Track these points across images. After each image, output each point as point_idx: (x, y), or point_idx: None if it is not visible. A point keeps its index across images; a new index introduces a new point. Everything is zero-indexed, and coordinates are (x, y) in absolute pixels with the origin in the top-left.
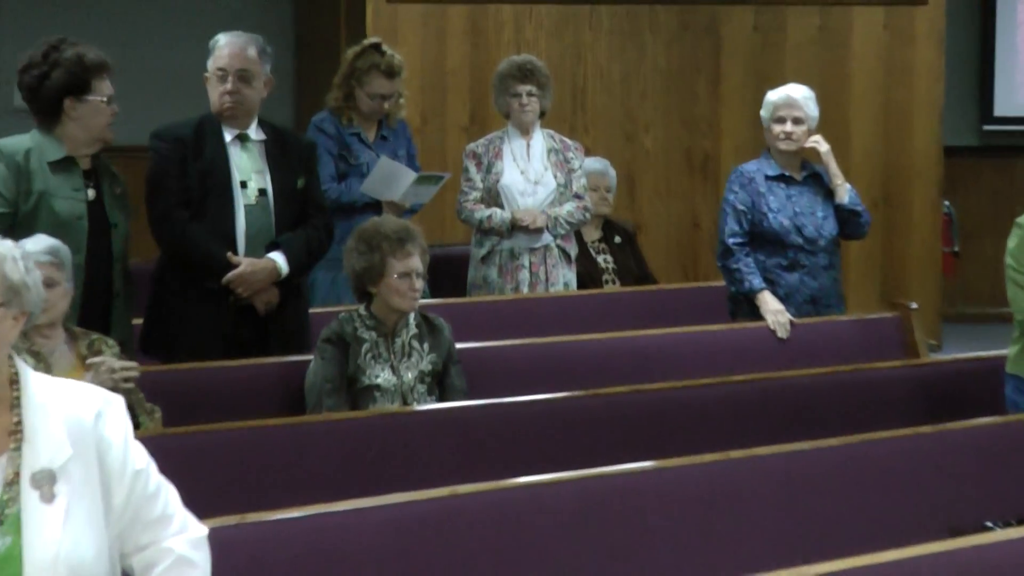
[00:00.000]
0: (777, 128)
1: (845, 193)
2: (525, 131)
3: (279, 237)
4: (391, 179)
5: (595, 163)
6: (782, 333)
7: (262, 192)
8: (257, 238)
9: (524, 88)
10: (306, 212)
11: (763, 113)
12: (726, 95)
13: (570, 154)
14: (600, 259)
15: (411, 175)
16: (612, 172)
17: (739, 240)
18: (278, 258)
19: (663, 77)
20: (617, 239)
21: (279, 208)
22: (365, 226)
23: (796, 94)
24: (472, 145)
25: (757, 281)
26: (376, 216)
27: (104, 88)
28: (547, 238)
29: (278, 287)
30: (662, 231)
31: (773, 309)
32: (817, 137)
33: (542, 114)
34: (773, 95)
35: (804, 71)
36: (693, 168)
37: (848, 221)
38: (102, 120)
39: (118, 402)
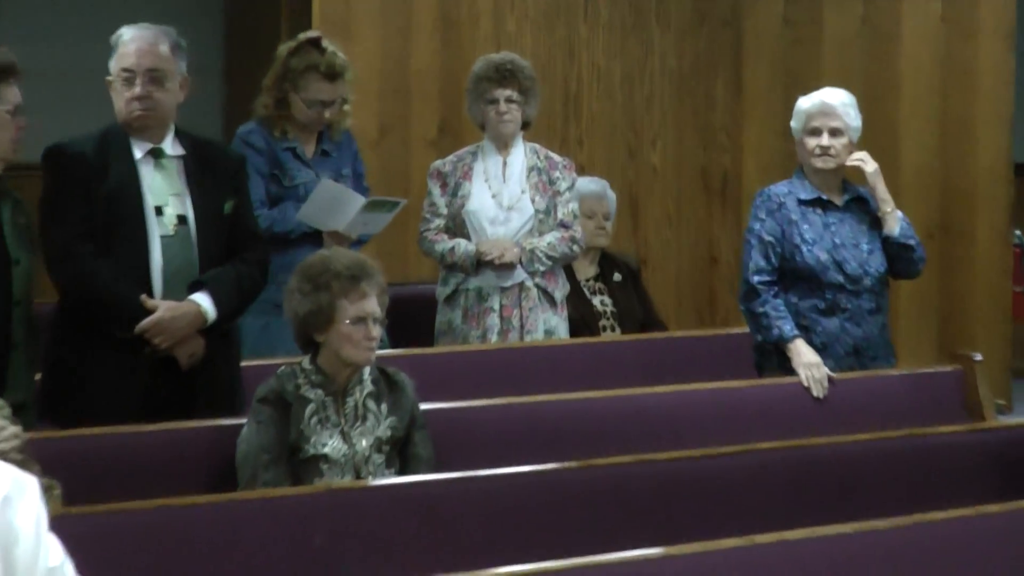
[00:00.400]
0: (811, 142)
1: (896, 223)
2: (503, 145)
3: (204, 275)
4: (334, 205)
5: (590, 184)
6: (818, 391)
7: (181, 219)
8: (177, 276)
9: (502, 93)
10: (236, 243)
11: (794, 124)
12: (750, 101)
13: (556, 173)
14: (596, 301)
15: (358, 200)
16: (611, 195)
17: (766, 278)
18: (203, 300)
19: (673, 79)
20: (617, 276)
21: (203, 239)
22: (311, 261)
23: (834, 100)
24: (437, 163)
25: (788, 327)
26: (316, 249)
27: (10, 96)
28: (521, 275)
29: (204, 336)
30: (672, 266)
31: (808, 362)
32: (861, 154)
33: (525, 125)
34: (805, 102)
35: (844, 72)
36: (710, 190)
37: (899, 257)
38: (5, 135)
39: (31, 485)
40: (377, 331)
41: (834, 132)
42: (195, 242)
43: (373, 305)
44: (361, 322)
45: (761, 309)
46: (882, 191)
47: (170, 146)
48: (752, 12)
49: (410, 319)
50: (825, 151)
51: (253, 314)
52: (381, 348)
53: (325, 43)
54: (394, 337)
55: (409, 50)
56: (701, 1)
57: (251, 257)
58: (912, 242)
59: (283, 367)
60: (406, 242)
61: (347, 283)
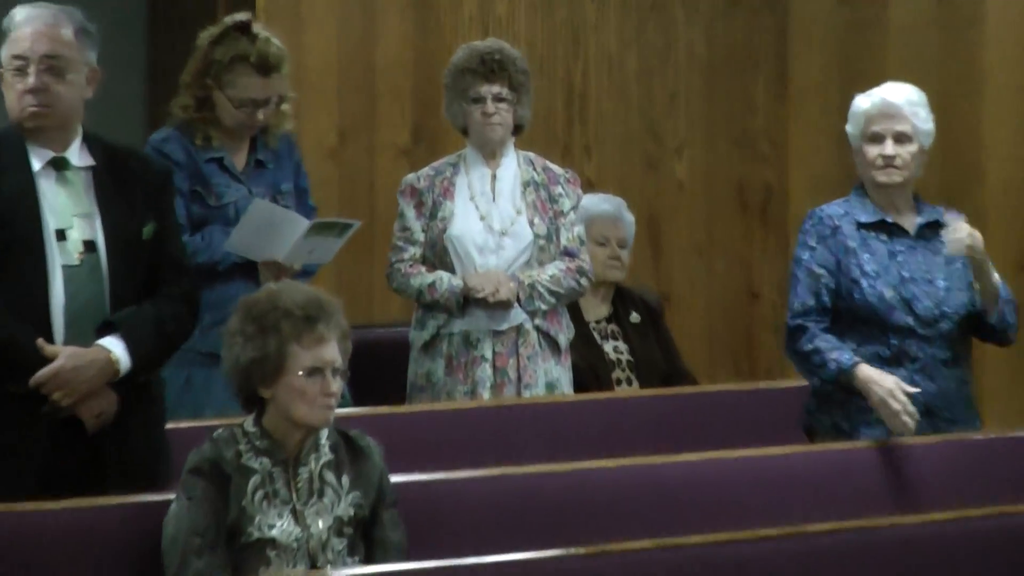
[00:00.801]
0: (872, 151)
1: (995, 311)
2: (491, 154)
3: (116, 314)
4: (270, 228)
5: (602, 203)
6: (904, 425)
7: (89, 246)
8: (82, 315)
9: (490, 89)
10: (158, 275)
11: (850, 128)
12: (797, 100)
13: (559, 189)
14: (608, 347)
15: (300, 223)
16: (628, 217)
17: (815, 319)
18: (114, 346)
19: (703, 73)
20: (634, 317)
21: (116, 269)
22: (256, 298)
23: (898, 98)
24: (410, 178)
25: (846, 356)
26: (249, 283)
27: None
28: (518, 316)
29: (116, 390)
30: (702, 305)
31: (886, 387)
32: (959, 223)
33: (517, 129)
34: (864, 101)
35: (914, 65)
36: (748, 210)
37: (992, 331)
38: None
39: None
40: (337, 385)
41: (900, 138)
42: (106, 273)
43: (332, 352)
44: (317, 373)
45: (810, 346)
46: (988, 275)
47: (76, 155)
48: None
49: (377, 370)
50: (889, 162)
51: (171, 365)
52: (341, 406)
53: (256, 28)
54: (358, 392)
55: (374, 37)
56: None
57: (176, 292)
58: (1010, 322)
59: (220, 430)
60: (372, 276)
61: (300, 325)
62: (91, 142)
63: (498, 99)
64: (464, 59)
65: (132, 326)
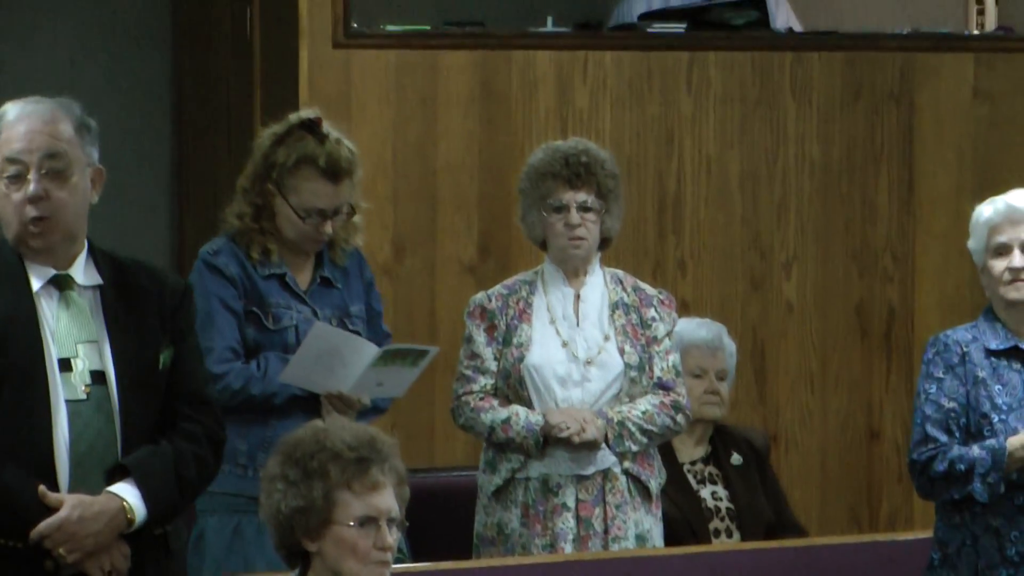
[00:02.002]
0: (999, 265)
1: None
2: (573, 272)
3: (129, 456)
4: (334, 356)
5: (699, 329)
6: None
7: (97, 377)
8: (90, 457)
9: (574, 197)
10: (176, 410)
11: (972, 243)
12: (927, 208)
13: (652, 312)
14: (706, 493)
15: (369, 350)
16: (729, 345)
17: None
18: (127, 493)
19: (817, 176)
20: (736, 459)
21: (128, 403)
22: (300, 436)
23: None
24: (480, 297)
25: (984, 444)
26: (312, 419)
27: None
28: (606, 459)
29: (130, 543)
30: (815, 445)
31: None
32: None
33: (604, 242)
34: (986, 209)
35: None
36: (869, 335)
37: None
38: None
39: None
40: (393, 537)
41: None
42: (116, 409)
43: (388, 500)
44: (371, 524)
45: (942, 467)
46: None
47: (81, 272)
48: (929, 80)
49: (439, 521)
50: (1018, 275)
51: (221, 511)
52: (398, 561)
53: (327, 127)
54: (416, 546)
55: (435, 136)
56: (857, 66)
57: (197, 431)
58: None
59: None
60: (432, 412)
61: (351, 468)
62: (97, 256)
63: (584, 208)
64: (545, 161)
65: (147, 470)
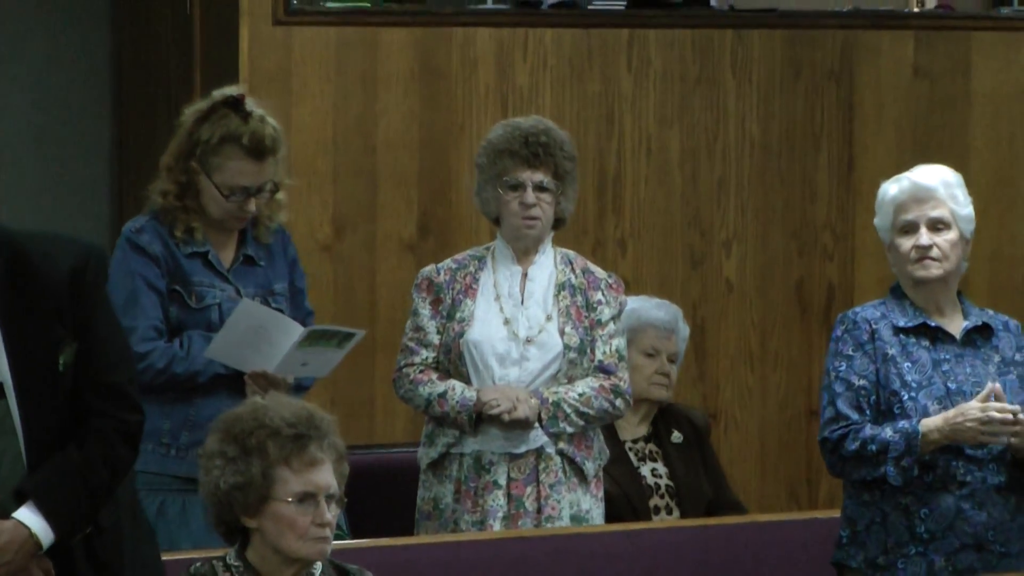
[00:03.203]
0: (905, 243)
1: None
2: (525, 251)
3: (28, 479)
4: (260, 335)
5: (656, 309)
6: (1001, 426)
7: None
8: None
9: (532, 177)
10: (84, 406)
11: (878, 221)
12: (867, 187)
13: (598, 295)
14: (646, 470)
15: (294, 329)
16: (684, 330)
17: (857, 426)
18: (29, 519)
19: (757, 155)
20: (676, 436)
21: (30, 415)
22: (239, 414)
23: (930, 180)
24: (428, 270)
25: (897, 426)
26: (235, 399)
27: None
28: (538, 438)
29: (54, 553)
30: (754, 423)
31: (971, 414)
32: (1001, 405)
33: (557, 223)
34: (891, 187)
35: (1002, 144)
36: (809, 313)
37: None
38: None
39: None
40: (332, 513)
41: (936, 225)
42: (18, 423)
43: (326, 476)
44: (309, 500)
45: (857, 442)
46: None
47: None
48: (869, 58)
49: (379, 496)
50: (925, 253)
51: (143, 491)
52: (338, 537)
53: (250, 104)
54: (356, 522)
55: (375, 113)
56: (797, 44)
57: (108, 426)
58: None
59: (198, 563)
60: (372, 388)
61: (289, 445)
62: None
63: (540, 188)
64: (504, 138)
65: (49, 491)
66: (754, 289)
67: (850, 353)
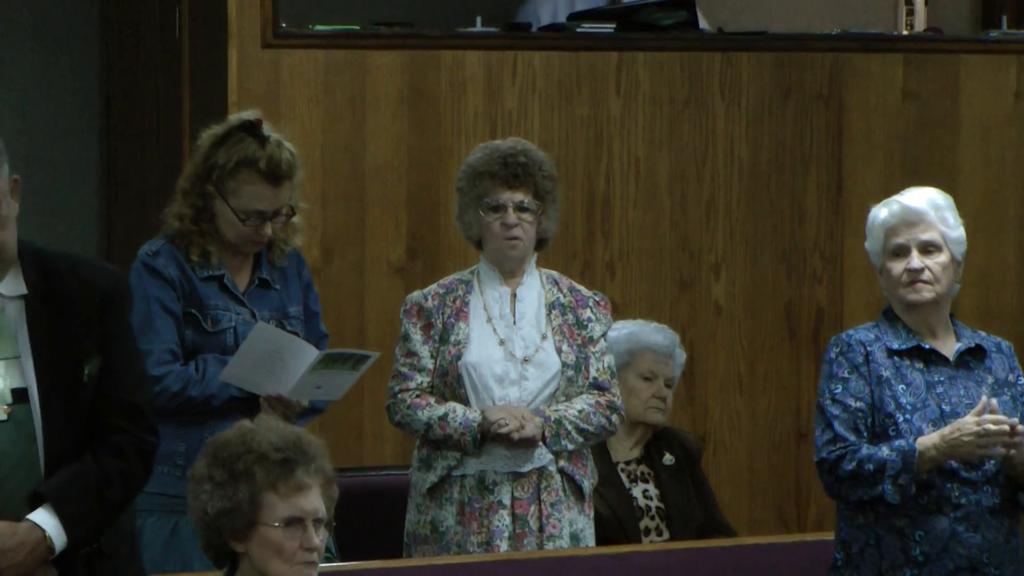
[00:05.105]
0: (896, 267)
1: None
2: (510, 273)
3: (47, 482)
4: (274, 358)
5: (655, 333)
6: (995, 439)
7: (19, 395)
8: (10, 481)
9: (511, 197)
10: (102, 421)
11: (868, 245)
12: (856, 210)
13: (587, 313)
14: (637, 491)
15: (309, 352)
16: (680, 355)
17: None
18: (46, 522)
19: (745, 177)
20: (668, 458)
21: (52, 423)
22: (226, 438)
23: (920, 203)
24: (416, 296)
25: (894, 445)
26: (245, 420)
27: None
28: (543, 457)
29: (57, 566)
30: (743, 447)
31: (967, 429)
32: (999, 417)
33: (540, 243)
34: (882, 210)
35: (992, 167)
36: (798, 337)
37: None
38: None
39: None
40: (320, 538)
41: (927, 248)
42: (39, 429)
43: (314, 500)
44: (296, 525)
45: (854, 462)
46: None
47: (8, 283)
48: (858, 81)
49: (367, 519)
50: (916, 276)
51: (158, 513)
52: (326, 560)
53: (266, 129)
54: (344, 544)
55: (363, 136)
56: (786, 66)
57: (125, 443)
58: None
59: None
60: (361, 412)
61: (276, 470)
62: (26, 261)
63: (521, 209)
64: (483, 160)
65: (66, 496)
66: (743, 312)
67: (845, 375)
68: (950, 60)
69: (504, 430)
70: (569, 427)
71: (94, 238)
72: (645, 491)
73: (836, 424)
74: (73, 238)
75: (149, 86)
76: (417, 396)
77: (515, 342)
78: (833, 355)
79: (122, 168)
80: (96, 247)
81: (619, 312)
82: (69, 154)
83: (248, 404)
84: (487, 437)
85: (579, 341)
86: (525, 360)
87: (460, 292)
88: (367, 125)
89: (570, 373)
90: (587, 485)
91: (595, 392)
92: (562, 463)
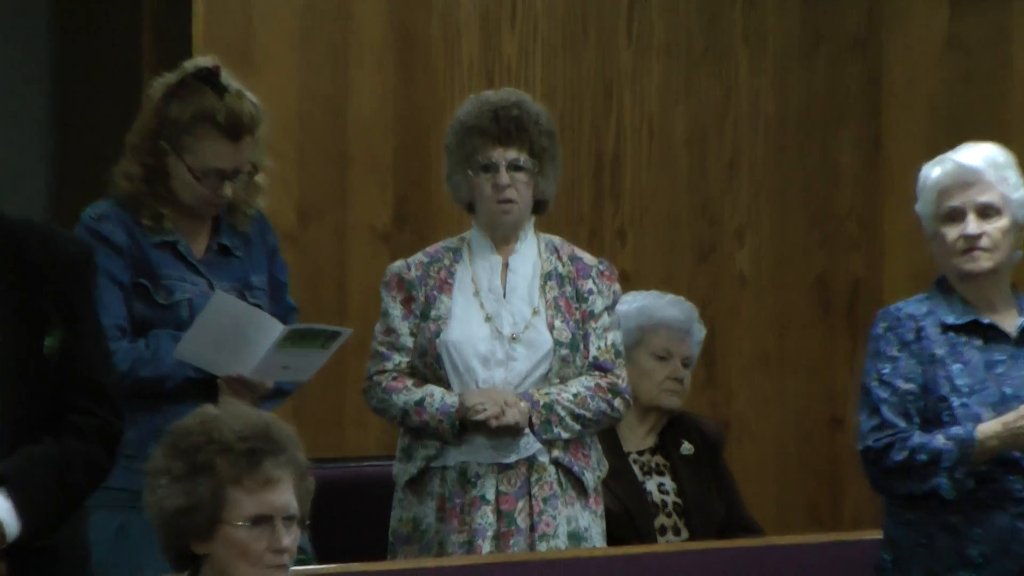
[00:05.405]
0: (951, 232)
1: None
2: (503, 239)
3: (3, 463)
4: (235, 334)
5: (670, 307)
6: None
7: None
8: None
9: (504, 155)
10: (65, 401)
11: (920, 207)
12: (896, 169)
13: (589, 284)
14: (652, 485)
15: (274, 328)
16: (699, 331)
17: (904, 435)
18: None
19: (772, 134)
20: (686, 448)
21: (8, 399)
22: (186, 426)
23: (977, 161)
24: (397, 266)
25: (950, 432)
26: (206, 405)
27: None
28: (530, 446)
29: (11, 556)
30: (770, 434)
31: (1013, 419)
32: None
33: (539, 206)
34: (935, 169)
35: None
36: (831, 311)
37: None
38: None
39: None
40: (291, 537)
41: (985, 212)
42: None
43: (284, 496)
44: (264, 523)
45: (905, 452)
46: None
47: None
48: (899, 26)
49: (349, 515)
50: (973, 243)
51: (103, 508)
52: (301, 562)
53: (225, 77)
54: (323, 544)
55: (346, 88)
56: (817, 11)
57: (90, 425)
58: None
59: None
60: (342, 395)
61: (241, 462)
62: None
63: (514, 168)
64: (472, 115)
65: (23, 479)
66: (770, 284)
67: (894, 353)
68: (1000, 3)
69: (481, 416)
70: (562, 413)
71: (41, 197)
72: (660, 485)
73: (883, 408)
74: (18, 197)
75: (104, 29)
76: (394, 378)
77: (503, 318)
78: (880, 330)
79: (73, 121)
80: (44, 206)
81: (630, 283)
82: (15, 105)
83: (207, 386)
84: (467, 425)
85: (577, 316)
86: (513, 338)
87: (446, 262)
88: (349, 75)
89: (564, 352)
90: (590, 478)
91: (595, 373)
92: (557, 453)
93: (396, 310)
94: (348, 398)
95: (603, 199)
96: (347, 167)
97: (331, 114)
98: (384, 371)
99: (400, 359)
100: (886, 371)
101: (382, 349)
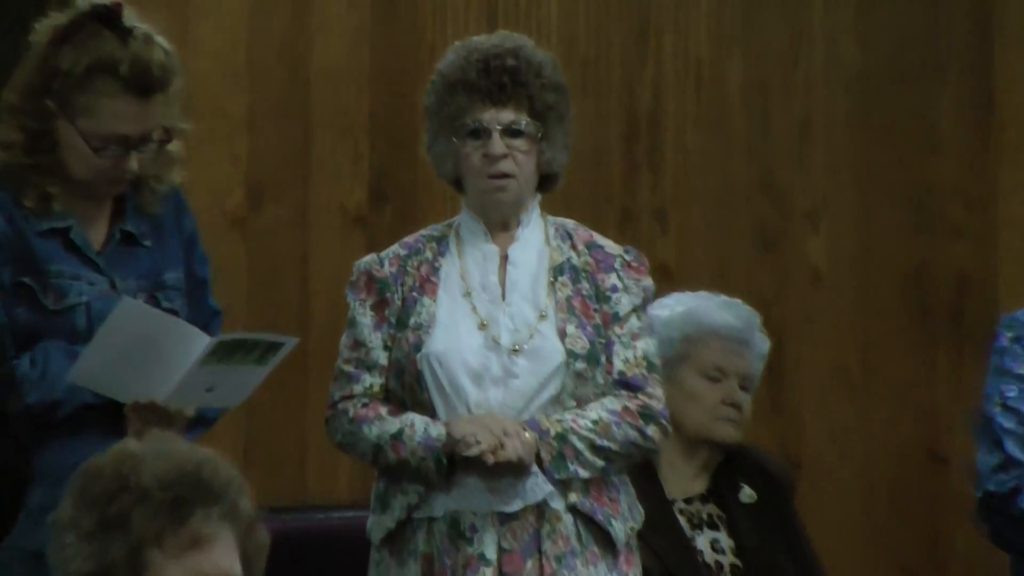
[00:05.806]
0: None
1: None
2: (500, 224)
3: None
4: (148, 349)
5: (722, 310)
6: None
7: None
8: None
9: (498, 118)
10: None
11: None
12: (1015, 133)
13: (613, 279)
14: (702, 541)
15: (197, 340)
16: (761, 343)
17: None
18: None
19: (856, 88)
20: (747, 494)
21: None
22: (99, 468)
23: None
24: (368, 260)
25: None
26: (110, 440)
27: None
28: (539, 489)
29: None
30: (854, 474)
31: None
32: None
33: (546, 181)
34: None
35: None
36: (931, 316)
37: None
38: None
39: None
40: None
41: None
42: None
43: (222, 559)
44: None
45: None
46: None
47: None
48: None
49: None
50: None
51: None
52: None
53: (129, 18)
54: None
55: (310, 33)
56: None
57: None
58: None
59: None
60: (304, 424)
61: (163, 515)
62: None
63: (511, 133)
64: (456, 66)
65: None
66: (852, 281)
67: (1023, 372)
68: None
69: (474, 451)
70: (579, 444)
71: None
72: (714, 541)
73: (1008, 442)
74: None
75: None
76: (364, 405)
77: (501, 324)
78: (1005, 342)
79: None
80: None
81: (673, 281)
82: None
83: (109, 414)
84: (457, 462)
85: (597, 320)
86: (514, 350)
87: (428, 254)
88: (313, 15)
89: (580, 366)
90: (619, 529)
91: (621, 393)
92: (574, 498)
93: (365, 318)
94: (311, 431)
95: (638, 172)
96: (310, 132)
97: (289, 65)
98: (352, 396)
99: (371, 380)
100: (1012, 394)
101: (348, 368)
